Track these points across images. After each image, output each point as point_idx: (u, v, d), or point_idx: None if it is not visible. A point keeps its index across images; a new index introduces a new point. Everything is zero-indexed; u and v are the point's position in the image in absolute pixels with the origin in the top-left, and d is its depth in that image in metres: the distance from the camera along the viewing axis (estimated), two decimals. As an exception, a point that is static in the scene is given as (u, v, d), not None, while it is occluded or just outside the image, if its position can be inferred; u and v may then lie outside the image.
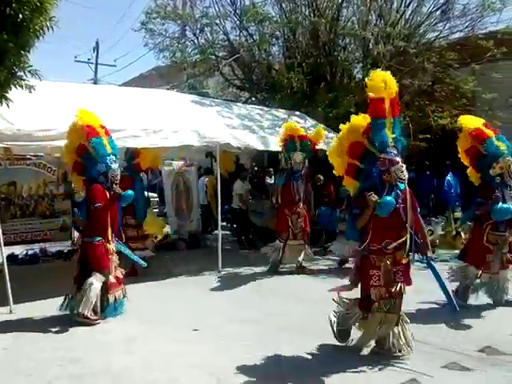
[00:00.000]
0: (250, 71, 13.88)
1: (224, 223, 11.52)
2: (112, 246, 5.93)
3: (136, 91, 10.31)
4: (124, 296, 6.01)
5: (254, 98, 14.03)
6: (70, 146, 5.98)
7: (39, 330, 5.35)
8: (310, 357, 4.64)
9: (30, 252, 9.81)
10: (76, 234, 10.68)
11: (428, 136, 11.54)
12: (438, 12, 12.23)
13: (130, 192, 6.07)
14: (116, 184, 5.85)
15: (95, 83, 25.58)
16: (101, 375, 4.23)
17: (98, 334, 5.27)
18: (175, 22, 13.65)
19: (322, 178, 11.05)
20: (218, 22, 13.42)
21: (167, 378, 4.17)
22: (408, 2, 12.40)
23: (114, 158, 5.85)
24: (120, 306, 5.95)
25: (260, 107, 11.52)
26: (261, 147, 9.27)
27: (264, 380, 4.14)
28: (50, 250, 10.13)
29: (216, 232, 10.07)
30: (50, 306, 6.24)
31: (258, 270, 8.60)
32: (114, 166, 5.83)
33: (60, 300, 5.90)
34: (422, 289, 7.12)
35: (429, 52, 11.94)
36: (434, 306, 6.31)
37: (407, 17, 12.57)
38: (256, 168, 14.44)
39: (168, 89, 14.52)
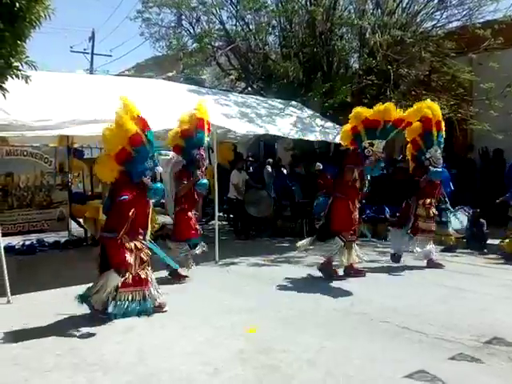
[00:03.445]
0: (247, 61, 13.85)
1: (220, 213, 11.54)
2: (136, 244, 5.51)
3: (132, 81, 10.27)
4: (144, 299, 5.53)
5: (250, 88, 14.00)
6: (122, 132, 5.38)
7: (37, 320, 5.35)
8: (308, 347, 4.66)
9: (27, 242, 9.84)
10: (73, 225, 10.75)
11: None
12: (436, 1, 12.18)
13: (158, 185, 5.68)
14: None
15: (91, 73, 25.47)
16: (97, 365, 4.24)
17: (95, 323, 5.27)
18: (171, 11, 13.59)
19: (321, 166, 11.06)
20: (214, 11, 13.37)
21: (164, 368, 4.18)
22: (405, -10, 12.37)
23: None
24: (132, 308, 5.45)
25: (256, 97, 11.51)
26: (261, 131, 9.29)
27: (260, 369, 4.16)
28: (47, 241, 10.16)
29: (212, 222, 10.09)
30: (48, 296, 6.28)
31: (254, 259, 8.64)
32: (159, 163, 5.75)
33: (58, 290, 5.89)
34: (418, 278, 7.24)
35: (426, 41, 11.90)
36: (432, 296, 6.36)
37: (404, 6, 12.52)
38: (251, 158, 14.44)
39: (164, 79, 14.47)
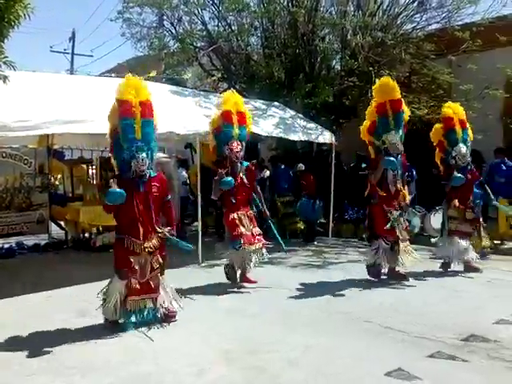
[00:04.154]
0: (229, 61, 13.83)
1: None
2: (146, 246, 5.08)
3: (113, 81, 10.18)
4: (153, 309, 5.17)
5: (232, 89, 13.96)
6: (111, 127, 5.20)
7: (18, 324, 5.28)
8: (293, 347, 4.66)
9: (5, 246, 9.70)
10: (53, 227, 10.63)
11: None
12: (416, 3, 12.32)
13: (115, 190, 4.88)
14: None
15: (71, 74, 25.23)
16: (76, 368, 4.19)
17: (76, 326, 5.21)
18: (153, 11, 13.52)
19: (303, 166, 11.10)
20: (196, 11, 13.33)
21: (149, 369, 4.16)
22: (385, -8, 12.49)
23: (141, 145, 4.99)
24: (143, 317, 5.10)
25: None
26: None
27: (247, 370, 4.15)
28: (27, 244, 10.02)
29: (195, 224, 10.05)
30: (29, 300, 6.20)
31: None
32: (140, 155, 4.97)
33: (38, 294, 5.79)
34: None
35: (406, 43, 12.04)
36: (406, 294, 6.42)
37: (385, 8, 12.64)
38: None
39: (146, 79, 14.37)
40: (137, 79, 5.26)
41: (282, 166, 11.73)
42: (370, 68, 11.71)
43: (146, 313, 5.10)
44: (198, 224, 8.58)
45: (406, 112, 7.19)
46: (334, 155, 10.56)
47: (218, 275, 7.26)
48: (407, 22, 12.66)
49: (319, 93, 11.58)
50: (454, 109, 7.78)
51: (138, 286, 5.06)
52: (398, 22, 12.66)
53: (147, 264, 5.11)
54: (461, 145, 7.59)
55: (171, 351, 4.56)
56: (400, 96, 6.99)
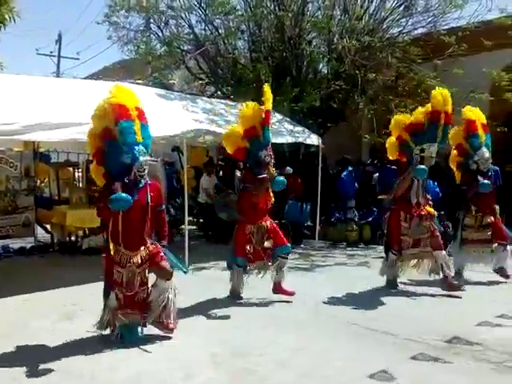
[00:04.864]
0: (216, 65, 13.84)
1: (190, 218, 11.48)
2: (138, 256, 4.83)
3: (100, 84, 10.15)
4: (139, 325, 4.91)
5: (219, 92, 13.99)
6: (95, 128, 4.92)
7: (3, 328, 5.23)
8: (282, 350, 4.67)
9: (-9, 249, 9.62)
10: (39, 231, 10.54)
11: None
12: (401, 7, 12.43)
13: (121, 195, 4.58)
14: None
15: (58, 76, 25.08)
16: (63, 371, 4.17)
17: (60, 330, 5.17)
18: (139, 15, 13.49)
19: (291, 170, 11.12)
20: (183, 15, 13.33)
21: (137, 373, 4.14)
22: (372, -3, 12.58)
23: (143, 149, 4.77)
24: (128, 334, 4.85)
25: (225, 101, 11.50)
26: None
27: (234, 372, 4.15)
28: (12, 247, 9.94)
29: (182, 227, 10.03)
30: (14, 303, 6.14)
31: (225, 264, 8.59)
32: (143, 158, 4.75)
33: (19, 298, 5.69)
34: (382, 280, 7.33)
35: (392, 47, 12.14)
36: (393, 297, 6.46)
37: (371, 12, 12.73)
38: (221, 162, 14.42)
39: (132, 82, 14.34)
40: (126, 86, 5.14)
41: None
42: (357, 72, 11.78)
43: (133, 329, 4.87)
44: (185, 227, 8.56)
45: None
46: (320, 158, 10.60)
47: (205, 279, 7.25)
48: (393, 26, 12.78)
49: (306, 97, 11.64)
50: (475, 113, 7.43)
51: (124, 300, 4.80)
52: (385, 26, 12.77)
53: (135, 277, 4.82)
54: (484, 149, 7.23)
55: (159, 355, 4.55)
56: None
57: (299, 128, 10.85)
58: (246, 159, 6.47)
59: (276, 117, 10.94)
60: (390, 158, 6.97)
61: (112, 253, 4.78)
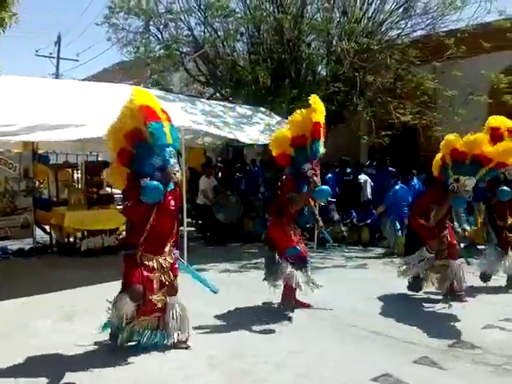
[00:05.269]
0: (215, 67, 13.85)
1: (189, 219, 11.48)
2: (161, 261, 4.69)
3: (99, 86, 10.16)
4: (155, 329, 4.74)
5: (218, 94, 14.01)
6: (122, 128, 4.69)
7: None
8: (279, 351, 4.67)
9: (-11, 250, 9.61)
10: (38, 232, 10.54)
11: (390, 132, 11.72)
12: (400, 10, 12.45)
13: (153, 183, 4.45)
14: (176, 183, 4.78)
15: (57, 78, 25.08)
16: (56, 374, 4.18)
17: (60, 330, 5.17)
18: (139, 17, 13.50)
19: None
20: (182, 17, 13.35)
21: (136, 374, 4.14)
22: (371, -1, 12.60)
23: (174, 151, 4.64)
24: (146, 339, 4.70)
25: (224, 103, 11.51)
26: (230, 136, 9.30)
27: (233, 373, 4.16)
28: (11, 248, 9.93)
29: (181, 228, 10.02)
30: (12, 305, 6.13)
31: (223, 266, 8.63)
32: (173, 160, 4.61)
33: (18, 299, 5.67)
34: (385, 283, 7.33)
35: (391, 49, 12.15)
36: (393, 299, 6.46)
37: (370, 15, 12.74)
38: (220, 164, 14.45)
39: (132, 84, 14.35)
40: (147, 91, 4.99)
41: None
42: (356, 74, 11.80)
43: (148, 334, 4.72)
44: (184, 229, 8.56)
45: None
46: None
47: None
48: (392, 28, 12.79)
49: (304, 99, 11.64)
50: (498, 120, 6.77)
51: (146, 306, 4.65)
52: (383, 28, 12.78)
53: (157, 281, 4.69)
54: None
55: (157, 356, 4.55)
56: None
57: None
58: (289, 167, 6.03)
59: (275, 118, 10.96)
60: (435, 174, 6.44)
61: (137, 255, 4.59)
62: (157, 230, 4.61)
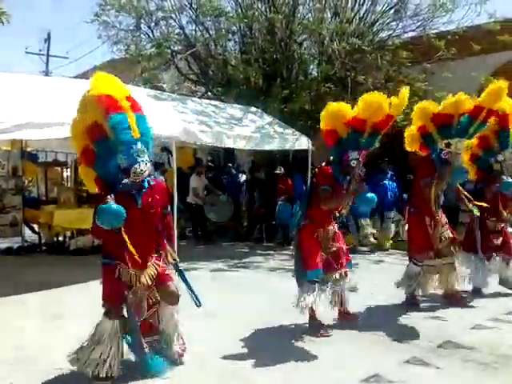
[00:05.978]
0: (206, 66, 13.83)
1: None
2: (145, 275, 3.99)
3: (89, 83, 10.09)
4: (156, 351, 4.15)
5: (209, 93, 13.98)
6: (80, 125, 3.98)
7: None
8: (270, 351, 4.66)
9: (-23, 249, 9.54)
10: (27, 231, 10.46)
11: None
12: (392, 11, 12.51)
13: (112, 206, 3.63)
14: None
15: (46, 75, 24.92)
16: (49, 375, 4.14)
17: (47, 330, 5.12)
18: (129, 15, 13.44)
19: (282, 169, 11.15)
20: (173, 15, 13.30)
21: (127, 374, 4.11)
22: (362, 0, 12.63)
23: (143, 147, 3.85)
24: (151, 361, 4.03)
25: (215, 103, 11.50)
26: (217, 143, 9.25)
27: (222, 373, 4.14)
28: (-1, 247, 9.88)
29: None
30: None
31: (214, 265, 8.61)
32: (142, 159, 3.81)
33: (4, 298, 5.62)
34: (377, 284, 7.34)
35: (382, 50, 12.20)
36: (384, 301, 6.45)
37: (361, 15, 12.79)
38: (211, 164, 14.43)
39: (123, 82, 14.27)
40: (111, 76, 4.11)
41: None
42: (347, 74, 11.84)
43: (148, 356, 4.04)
44: (174, 228, 8.51)
45: None
46: (310, 160, 10.61)
47: (194, 279, 7.19)
48: (383, 29, 12.88)
49: (296, 98, 11.67)
50: (511, 106, 6.18)
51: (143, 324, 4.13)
52: (375, 29, 12.85)
53: (143, 300, 4.09)
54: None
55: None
56: None
57: (289, 130, 10.87)
58: (333, 147, 5.08)
59: (266, 119, 10.96)
60: (409, 149, 6.09)
61: (118, 275, 3.92)
62: (137, 241, 3.86)
